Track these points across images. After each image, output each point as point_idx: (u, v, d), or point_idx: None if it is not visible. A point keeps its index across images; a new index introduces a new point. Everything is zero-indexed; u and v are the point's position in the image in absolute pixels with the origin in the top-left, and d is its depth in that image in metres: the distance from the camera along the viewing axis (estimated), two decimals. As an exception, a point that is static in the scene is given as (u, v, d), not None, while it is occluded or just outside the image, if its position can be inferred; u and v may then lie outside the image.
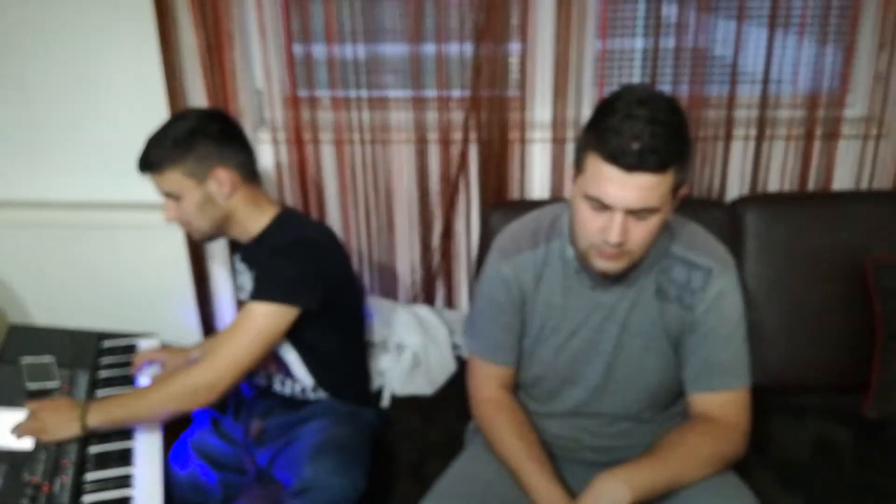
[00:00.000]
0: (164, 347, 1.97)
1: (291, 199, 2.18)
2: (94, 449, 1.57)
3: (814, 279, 1.90)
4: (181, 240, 2.11)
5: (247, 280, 1.73)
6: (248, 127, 2.07)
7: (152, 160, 1.62)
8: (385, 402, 1.92)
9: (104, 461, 1.55)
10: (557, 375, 1.46)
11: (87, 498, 1.46)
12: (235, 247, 1.80)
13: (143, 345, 1.99)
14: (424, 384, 1.96)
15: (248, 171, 1.69)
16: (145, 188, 1.70)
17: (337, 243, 1.74)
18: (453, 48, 2.03)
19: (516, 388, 1.55)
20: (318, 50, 2.07)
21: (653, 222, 1.24)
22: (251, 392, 1.85)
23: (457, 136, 2.09)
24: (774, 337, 1.90)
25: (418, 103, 2.07)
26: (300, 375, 1.75)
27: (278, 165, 2.15)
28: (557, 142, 2.08)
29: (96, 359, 1.90)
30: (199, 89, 2.02)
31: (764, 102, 2.04)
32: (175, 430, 1.75)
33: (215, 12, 1.94)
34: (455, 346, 2.06)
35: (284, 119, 2.11)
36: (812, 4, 2.00)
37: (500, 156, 2.09)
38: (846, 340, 1.89)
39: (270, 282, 1.61)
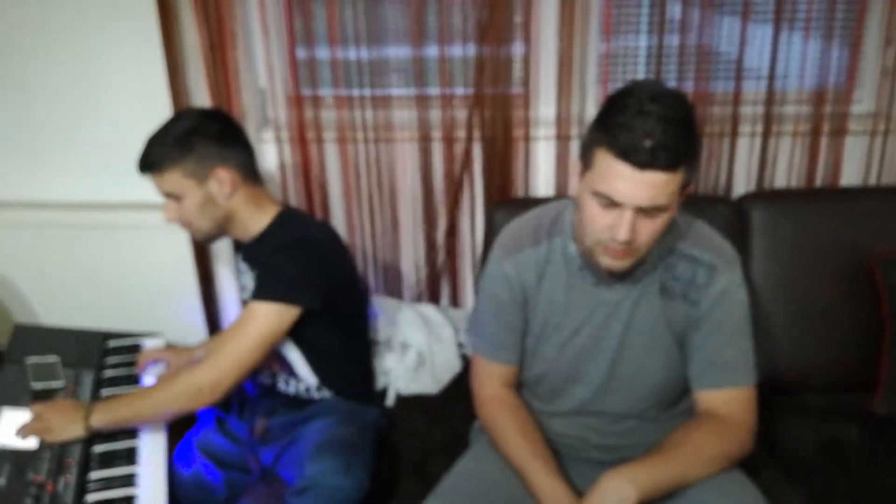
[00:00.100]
0: (169, 347, 1.97)
1: (295, 198, 2.18)
2: (99, 448, 1.58)
3: (821, 276, 1.89)
4: (186, 240, 2.11)
5: (249, 280, 1.73)
6: (251, 126, 2.07)
7: (152, 160, 1.62)
8: (390, 401, 1.91)
9: (108, 460, 1.55)
10: (561, 373, 1.45)
11: (90, 497, 1.46)
12: (238, 246, 1.80)
13: (148, 344, 1.99)
14: (429, 383, 1.95)
15: (249, 171, 1.69)
16: (150, 188, 1.69)
17: (338, 242, 1.74)
18: (456, 49, 2.02)
19: (520, 386, 1.54)
20: (322, 52, 2.06)
21: (661, 220, 1.23)
22: (255, 391, 1.85)
23: (460, 133, 2.09)
24: (781, 334, 1.89)
25: (422, 101, 2.06)
26: (304, 374, 1.74)
27: (282, 165, 2.15)
28: (561, 139, 2.08)
29: (101, 358, 1.90)
30: (202, 88, 2.02)
31: (770, 98, 2.03)
32: (180, 429, 1.75)
33: (218, 11, 1.94)
34: (460, 345, 2.05)
35: (288, 118, 2.11)
36: (817, 7, 1.99)
37: (504, 153, 2.08)
38: (854, 337, 1.87)
39: (272, 281, 1.61)
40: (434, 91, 2.07)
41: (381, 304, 2.11)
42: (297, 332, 1.64)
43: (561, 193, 2.13)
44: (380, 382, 1.94)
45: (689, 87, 2.03)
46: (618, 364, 1.41)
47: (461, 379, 1.95)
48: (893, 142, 2.08)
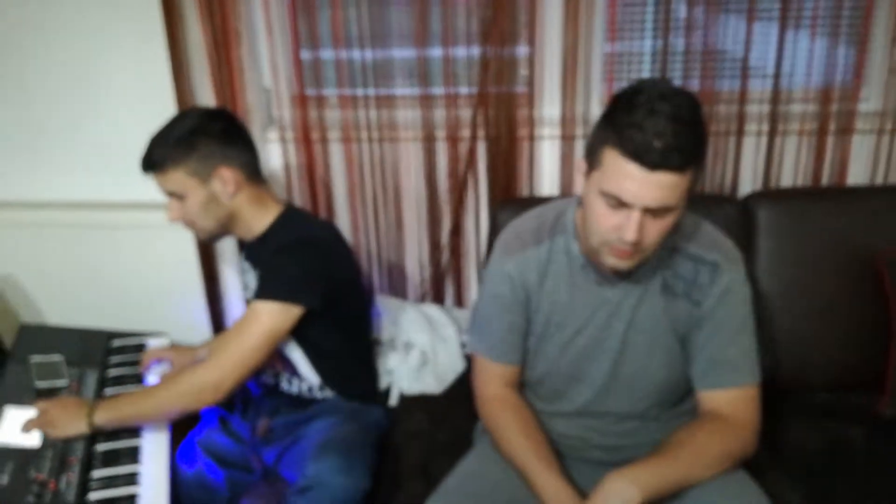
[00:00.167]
0: (172, 346, 1.97)
1: (300, 197, 2.18)
2: (102, 447, 1.58)
3: (827, 275, 1.87)
4: (190, 240, 2.11)
5: (251, 279, 1.73)
6: (256, 126, 2.07)
7: (155, 159, 1.61)
8: (393, 400, 1.91)
9: (111, 459, 1.55)
10: (563, 373, 1.45)
11: (92, 495, 1.46)
12: (241, 246, 1.80)
13: (153, 344, 2.00)
14: (433, 383, 1.94)
15: (252, 170, 1.69)
16: (154, 188, 1.69)
17: (341, 241, 1.74)
18: (460, 51, 2.02)
19: (522, 387, 1.53)
20: (326, 53, 2.07)
21: (668, 220, 1.22)
22: (259, 390, 1.85)
23: (465, 133, 2.08)
24: (787, 334, 1.87)
25: (426, 101, 2.06)
26: (306, 374, 1.74)
27: (286, 164, 2.15)
28: (566, 138, 2.07)
29: (105, 358, 1.91)
30: (206, 87, 2.02)
31: (776, 97, 2.02)
32: (183, 428, 1.75)
33: (222, 9, 1.94)
34: (464, 345, 2.05)
35: (292, 118, 2.11)
36: (824, 5, 1.97)
37: (508, 153, 2.07)
38: (860, 337, 1.86)
39: (274, 280, 1.61)
40: (438, 90, 2.07)
41: (384, 304, 2.11)
42: (299, 332, 1.64)
43: (565, 193, 2.12)
44: (383, 382, 1.93)
45: (694, 86, 2.02)
46: (620, 363, 1.40)
47: (464, 379, 1.94)
48: (901, 141, 2.07)
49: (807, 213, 1.92)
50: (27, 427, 1.55)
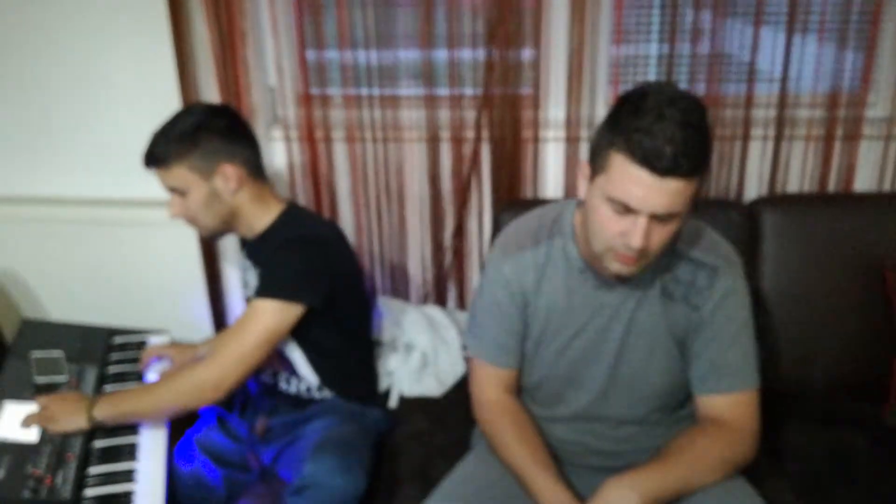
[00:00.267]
0: (173, 344, 1.96)
1: (303, 196, 2.17)
2: (99, 443, 1.58)
3: (833, 282, 1.86)
4: (193, 237, 2.11)
5: (252, 277, 1.73)
6: (260, 124, 2.07)
7: (158, 155, 1.61)
8: (393, 402, 1.90)
9: (108, 455, 1.55)
10: (561, 378, 1.43)
11: (89, 491, 1.47)
12: (243, 243, 1.79)
13: (153, 341, 2.00)
14: (433, 385, 1.93)
15: (255, 168, 1.68)
16: (159, 185, 1.69)
17: (343, 240, 1.73)
18: (466, 53, 2.02)
19: (520, 391, 1.52)
20: (331, 55, 2.06)
21: (673, 226, 1.21)
22: (257, 390, 1.84)
23: (469, 134, 2.08)
24: (791, 340, 1.86)
25: (430, 101, 2.05)
26: (305, 374, 1.74)
27: (290, 163, 2.15)
28: (571, 141, 2.06)
29: (106, 354, 1.91)
30: (211, 86, 2.02)
31: (782, 102, 2.00)
32: (181, 426, 1.74)
33: (228, 8, 1.94)
34: (465, 348, 2.04)
35: (297, 117, 2.11)
36: (831, 10, 1.95)
37: (512, 154, 2.06)
38: (865, 344, 1.84)
39: (274, 279, 1.60)
40: (443, 91, 2.06)
41: (386, 305, 2.10)
42: (299, 331, 1.63)
43: (570, 195, 2.11)
44: (383, 383, 1.93)
45: (700, 90, 2.00)
46: (618, 368, 1.39)
47: (465, 382, 1.92)
48: (909, 147, 2.05)
49: (813, 219, 1.90)
50: (27, 422, 1.55)
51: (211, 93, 2.03)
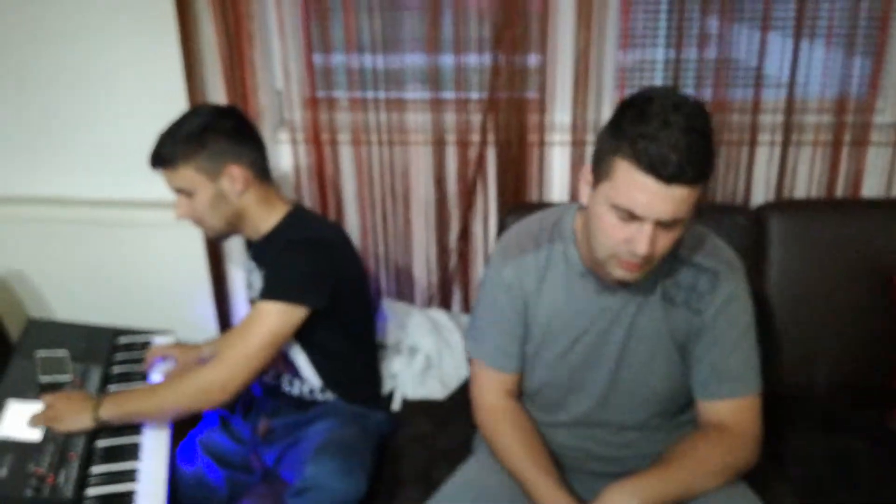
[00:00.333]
0: (177, 344, 1.97)
1: (309, 199, 2.18)
2: (102, 443, 1.58)
3: (839, 288, 1.85)
4: (199, 238, 2.12)
5: (257, 278, 1.73)
6: (267, 127, 2.08)
7: (165, 155, 1.61)
8: (396, 405, 1.90)
9: (111, 455, 1.56)
10: (562, 382, 1.42)
11: (90, 491, 1.47)
12: (248, 245, 1.80)
13: (158, 341, 2.00)
14: (437, 388, 1.93)
15: (261, 169, 1.69)
16: (165, 186, 1.69)
17: (348, 242, 1.73)
18: (472, 59, 2.02)
19: (521, 397, 1.51)
20: (338, 59, 2.07)
21: (677, 231, 1.21)
22: (260, 391, 1.85)
23: (475, 137, 2.08)
24: (796, 345, 1.85)
25: (436, 105, 2.06)
26: (308, 376, 1.74)
27: (297, 166, 2.15)
28: (577, 145, 2.06)
29: (111, 354, 1.91)
30: (218, 88, 2.03)
31: (790, 107, 1.99)
32: (184, 426, 1.75)
33: (236, 11, 1.95)
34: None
35: (303, 119, 2.11)
36: (839, 15, 1.95)
37: (518, 158, 2.06)
38: (871, 351, 1.83)
39: (279, 281, 1.61)
40: (449, 95, 2.07)
41: (391, 308, 2.10)
42: (302, 333, 1.63)
43: (575, 199, 2.09)
44: (387, 386, 1.92)
45: (707, 95, 2.00)
46: (619, 372, 1.38)
47: (468, 385, 1.92)
48: (917, 153, 2.04)
49: (820, 225, 1.90)
50: (34, 421, 1.55)
51: (218, 95, 2.04)
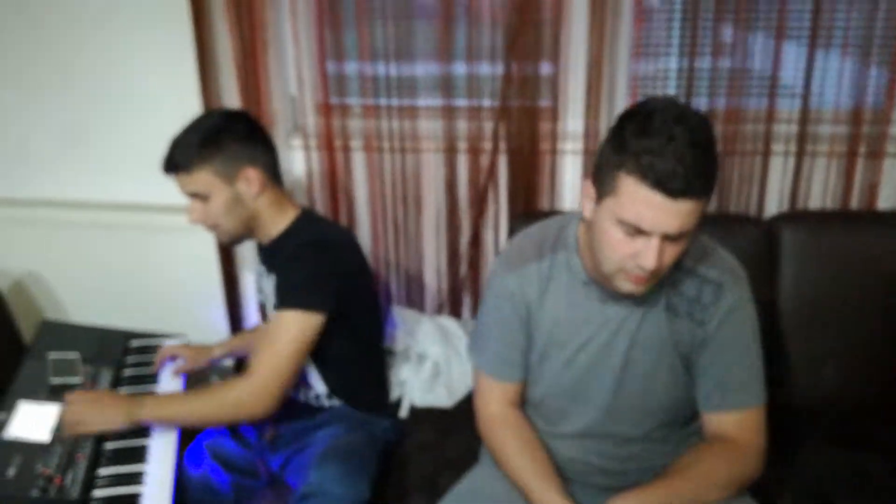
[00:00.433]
0: (188, 345, 1.98)
1: (322, 204, 2.19)
2: (110, 445, 1.60)
3: (852, 301, 1.83)
4: (212, 243, 2.13)
5: (266, 282, 1.73)
6: (280, 133, 2.10)
7: (180, 160, 1.61)
8: (403, 412, 1.89)
9: (119, 457, 1.57)
10: (565, 393, 1.41)
11: (97, 492, 1.48)
12: (259, 249, 1.80)
13: (169, 343, 2.01)
14: (444, 396, 1.93)
15: (274, 172, 1.70)
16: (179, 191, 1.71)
17: (355, 246, 1.73)
18: (484, 68, 2.02)
19: (525, 406, 1.50)
20: (351, 67, 2.08)
21: (683, 243, 1.20)
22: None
23: (486, 145, 2.08)
24: (808, 359, 1.83)
25: (448, 112, 2.06)
26: (313, 382, 1.74)
27: (309, 171, 2.16)
28: (589, 153, 2.05)
29: (122, 357, 1.93)
30: (233, 94, 2.05)
31: (804, 117, 1.97)
32: (192, 430, 1.75)
33: (251, 19, 1.97)
34: (478, 359, 2.03)
35: (316, 126, 2.13)
36: (855, 24, 1.93)
37: (529, 166, 2.06)
38: (886, 366, 1.81)
39: (290, 289, 1.61)
40: (461, 102, 2.07)
41: (401, 315, 2.10)
42: None
43: (586, 208, 2.10)
44: (395, 393, 1.92)
45: (721, 104, 1.99)
46: (623, 383, 1.37)
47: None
48: (934, 165, 2.01)
49: (834, 237, 1.88)
50: (63, 425, 1.55)
51: (232, 100, 2.05)
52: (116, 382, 1.82)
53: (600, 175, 1.22)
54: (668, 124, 1.12)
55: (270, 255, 1.73)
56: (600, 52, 1.96)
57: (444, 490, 1.47)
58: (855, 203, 2.03)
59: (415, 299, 2.26)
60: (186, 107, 2.02)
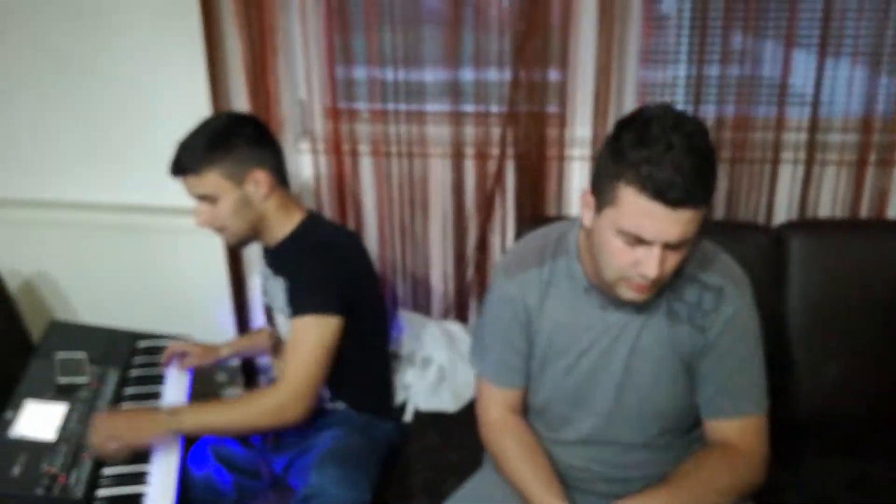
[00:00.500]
0: (195, 343, 1.99)
1: (329, 208, 2.20)
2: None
3: (861, 310, 1.81)
4: (221, 245, 2.15)
5: (272, 285, 1.74)
6: (289, 136, 2.11)
7: (189, 162, 1.61)
8: (408, 416, 1.90)
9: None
10: (566, 398, 1.41)
11: (101, 492, 1.49)
12: (264, 252, 1.81)
13: (176, 343, 2.03)
14: (449, 400, 1.93)
15: (281, 175, 1.70)
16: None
17: (361, 249, 1.74)
18: (492, 74, 2.03)
19: (527, 412, 1.49)
20: (359, 72, 2.10)
21: (685, 250, 1.20)
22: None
23: (494, 150, 2.08)
24: (815, 368, 1.82)
25: (456, 118, 2.07)
26: (318, 384, 1.75)
27: (317, 175, 2.17)
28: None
29: (129, 358, 1.95)
30: (242, 97, 2.06)
31: (814, 125, 1.96)
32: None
33: (260, 23, 1.98)
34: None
35: (324, 130, 2.14)
36: (865, 32, 1.92)
37: (537, 172, 2.06)
38: (892, 375, 1.79)
39: (301, 294, 1.62)
40: (469, 108, 2.07)
41: (407, 319, 2.11)
42: None
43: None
44: (399, 397, 1.93)
45: (729, 112, 1.98)
46: (624, 389, 1.36)
47: (477, 399, 1.93)
48: (945, 174, 1.99)
49: (842, 245, 1.87)
50: (98, 439, 1.54)
51: (241, 104, 2.07)
52: (123, 382, 1.83)
53: (599, 185, 1.21)
54: (665, 132, 1.12)
55: (276, 258, 1.73)
56: (609, 59, 1.96)
57: (446, 495, 1.48)
58: (864, 212, 2.02)
59: (421, 303, 2.27)
60: (196, 110, 2.03)
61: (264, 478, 1.77)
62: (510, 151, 2.07)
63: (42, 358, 1.82)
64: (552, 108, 2.04)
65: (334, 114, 2.11)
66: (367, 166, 2.16)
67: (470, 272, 2.22)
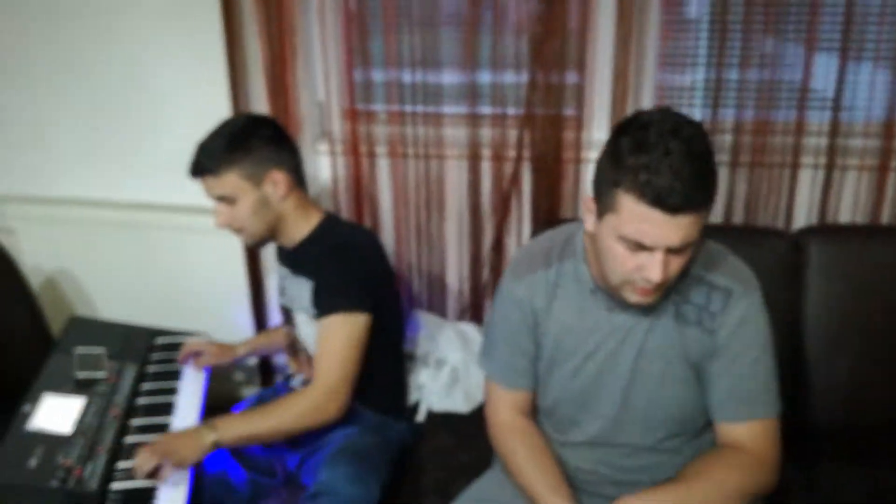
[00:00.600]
0: (212, 341, 2.01)
1: (346, 209, 2.21)
2: (130, 439, 1.63)
3: (880, 316, 1.78)
4: (239, 245, 2.17)
5: (290, 285, 1.75)
6: (307, 138, 2.13)
7: (208, 163, 1.63)
8: (421, 416, 1.90)
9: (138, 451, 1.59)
10: (574, 400, 1.40)
11: (115, 485, 1.51)
12: (280, 252, 1.82)
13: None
14: (462, 401, 1.93)
15: (298, 176, 1.72)
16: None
17: (379, 248, 1.75)
18: (509, 77, 2.03)
19: (536, 414, 1.49)
20: (377, 75, 2.11)
21: (688, 253, 1.19)
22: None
23: (510, 152, 2.08)
24: (833, 375, 1.79)
25: (473, 119, 2.07)
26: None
27: (335, 176, 2.19)
28: (613, 163, 2.04)
29: (147, 354, 1.97)
30: (262, 99, 2.08)
31: (834, 130, 1.94)
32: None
33: (280, 26, 2.00)
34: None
35: (342, 131, 2.15)
36: (887, 36, 1.90)
37: (553, 174, 2.06)
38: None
39: (328, 295, 1.63)
40: (485, 110, 2.08)
41: (423, 319, 2.11)
42: None
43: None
44: (413, 397, 1.93)
45: (749, 116, 1.97)
46: (631, 391, 1.35)
47: (488, 400, 1.92)
48: (968, 180, 1.96)
49: (862, 252, 1.83)
50: (146, 460, 1.51)
51: (261, 105, 2.09)
52: (140, 378, 1.86)
53: (599, 190, 1.21)
54: (663, 137, 1.11)
55: (295, 259, 1.74)
56: (626, 62, 1.96)
57: (456, 496, 1.47)
58: (885, 217, 2.00)
59: (437, 304, 2.27)
60: (216, 111, 2.05)
61: (278, 475, 1.78)
62: (527, 154, 2.07)
63: (62, 352, 1.85)
64: (569, 111, 2.03)
65: (352, 115, 2.12)
66: (384, 167, 2.17)
67: (485, 273, 2.22)
